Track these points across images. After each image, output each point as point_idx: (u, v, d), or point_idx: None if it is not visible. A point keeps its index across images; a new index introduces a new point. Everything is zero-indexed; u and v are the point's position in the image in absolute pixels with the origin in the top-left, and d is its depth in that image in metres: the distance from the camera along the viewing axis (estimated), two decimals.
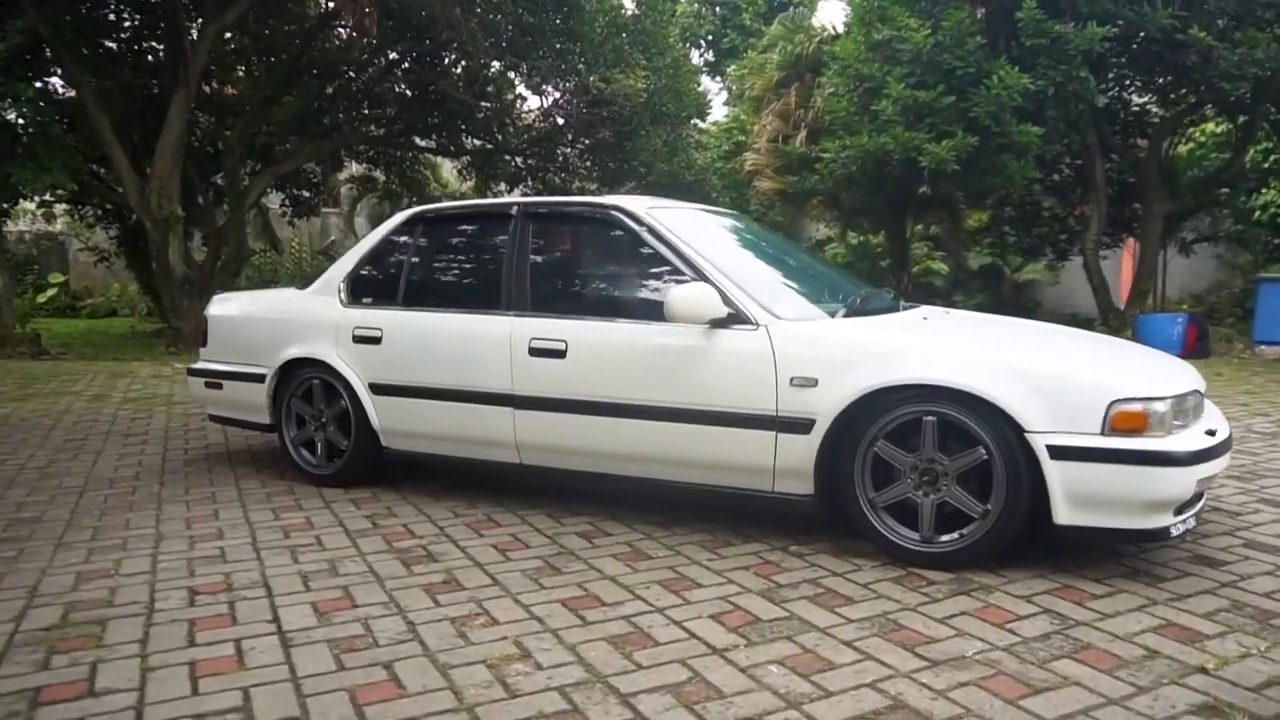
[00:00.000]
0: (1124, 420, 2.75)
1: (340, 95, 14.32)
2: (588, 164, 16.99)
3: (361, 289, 4.27)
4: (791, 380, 3.15)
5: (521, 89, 16.41)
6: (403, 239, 4.27)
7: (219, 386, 4.64)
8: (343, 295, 4.26)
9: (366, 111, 15.23)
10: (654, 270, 3.59)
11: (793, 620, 2.60)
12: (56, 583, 2.97)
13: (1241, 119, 11.87)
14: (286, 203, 16.27)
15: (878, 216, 14.90)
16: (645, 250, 3.62)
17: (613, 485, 3.61)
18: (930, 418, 2.96)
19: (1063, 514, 2.80)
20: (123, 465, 4.79)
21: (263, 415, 4.48)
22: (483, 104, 15.36)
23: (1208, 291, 16.36)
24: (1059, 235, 14.08)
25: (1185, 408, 2.90)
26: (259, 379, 4.43)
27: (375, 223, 23.82)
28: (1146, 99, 12.85)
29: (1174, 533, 2.83)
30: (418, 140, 16.73)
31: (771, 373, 3.18)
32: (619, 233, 3.71)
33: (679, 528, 3.51)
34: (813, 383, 3.11)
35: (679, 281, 3.43)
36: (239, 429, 5.36)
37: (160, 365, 9.29)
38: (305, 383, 4.31)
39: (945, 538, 2.99)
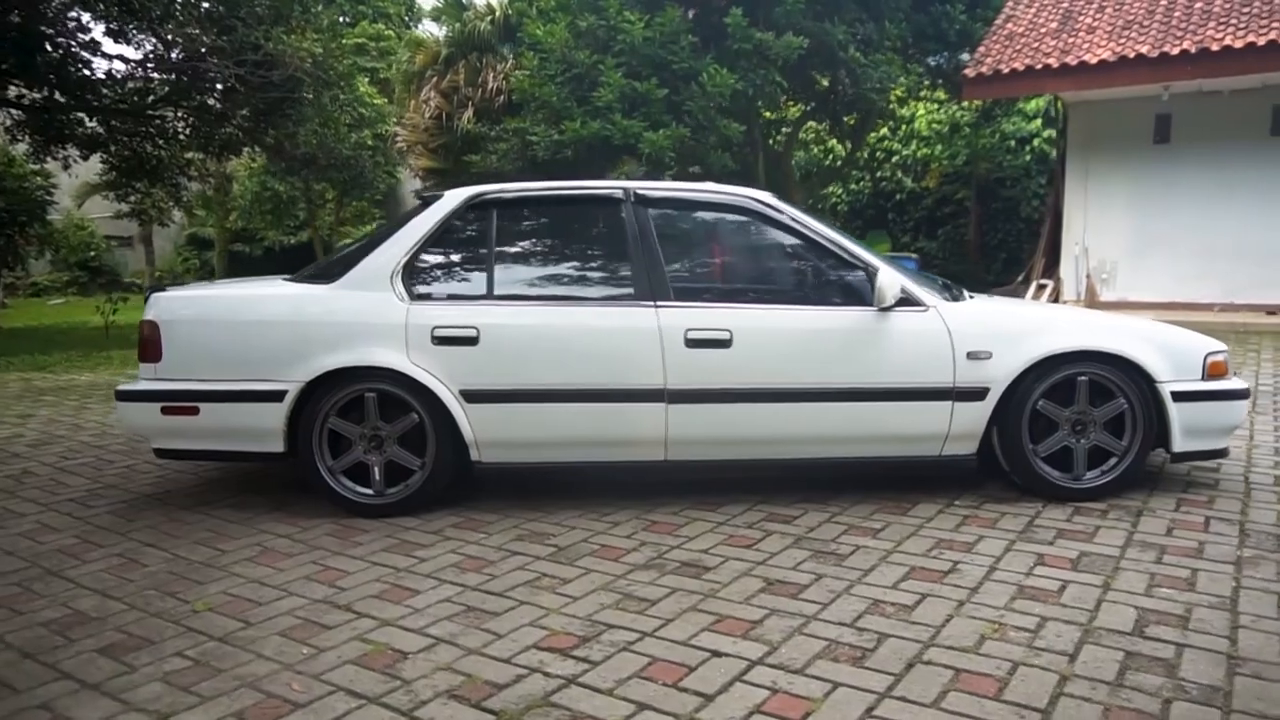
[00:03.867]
0: (1215, 368, 3.67)
1: None
2: (188, 131, 14.82)
3: (429, 282, 3.67)
4: (968, 354, 3.57)
5: (98, 33, 13.73)
6: (470, 225, 3.75)
7: (191, 412, 3.62)
8: (400, 290, 3.62)
9: None
10: (805, 258, 3.74)
11: (1092, 556, 3.07)
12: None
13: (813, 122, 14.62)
14: None
15: None
16: (790, 239, 3.73)
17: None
18: (1083, 377, 3.61)
19: (1179, 444, 3.64)
20: (33, 532, 3.49)
21: (270, 442, 3.62)
22: (58, 48, 12.62)
23: None
24: None
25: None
26: (271, 397, 3.57)
27: None
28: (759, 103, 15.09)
29: (1229, 450, 3.85)
30: None
31: (949, 349, 3.57)
32: (754, 221, 3.76)
33: (840, 501, 3.72)
34: (987, 355, 3.57)
35: (833, 268, 3.66)
36: (181, 463, 4.23)
37: None
38: (350, 396, 3.59)
39: (1090, 474, 3.67)
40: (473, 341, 3.56)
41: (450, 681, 2.28)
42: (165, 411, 3.63)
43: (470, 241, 3.76)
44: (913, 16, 12.06)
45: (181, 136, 14.88)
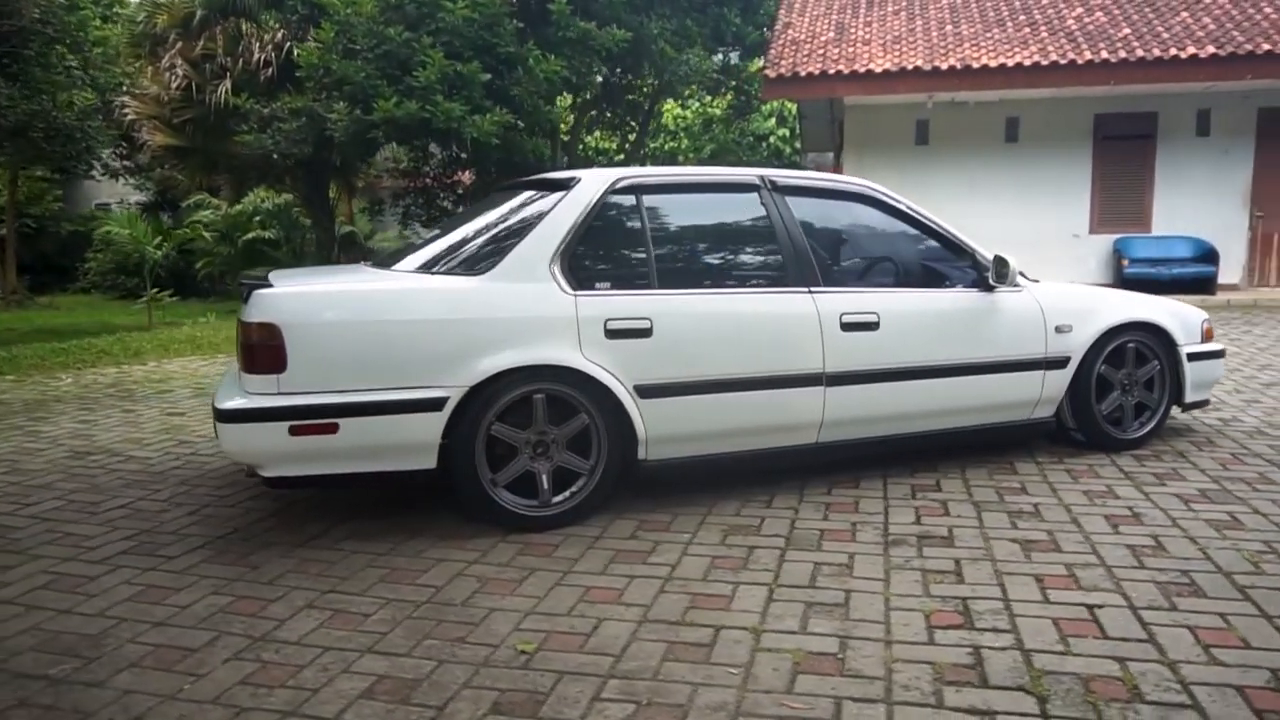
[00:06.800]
0: (1208, 332, 4.47)
1: None
2: None
3: (588, 271, 3.39)
4: (1056, 328, 4.03)
5: None
6: (617, 210, 3.52)
7: (329, 430, 3.05)
8: (561, 280, 3.32)
9: None
10: (925, 243, 3.99)
11: (1210, 490, 3.64)
12: None
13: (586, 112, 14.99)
14: None
15: (304, 181, 14.06)
16: (908, 226, 3.96)
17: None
18: (1132, 344, 4.23)
19: (1189, 395, 4.38)
20: (146, 594, 2.75)
21: (422, 458, 3.18)
22: None
23: None
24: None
25: None
26: (428, 406, 3.13)
27: None
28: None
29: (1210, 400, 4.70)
30: None
31: (1042, 323, 4.01)
32: (876, 209, 3.93)
33: (948, 469, 4.02)
34: (1069, 328, 4.06)
35: (950, 253, 3.97)
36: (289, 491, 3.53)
37: None
38: (518, 400, 3.24)
39: (1134, 425, 4.31)
40: (646, 334, 3.37)
41: (924, 672, 2.24)
42: (295, 432, 3.02)
43: (621, 228, 3.53)
44: (695, 16, 12.72)
45: None
